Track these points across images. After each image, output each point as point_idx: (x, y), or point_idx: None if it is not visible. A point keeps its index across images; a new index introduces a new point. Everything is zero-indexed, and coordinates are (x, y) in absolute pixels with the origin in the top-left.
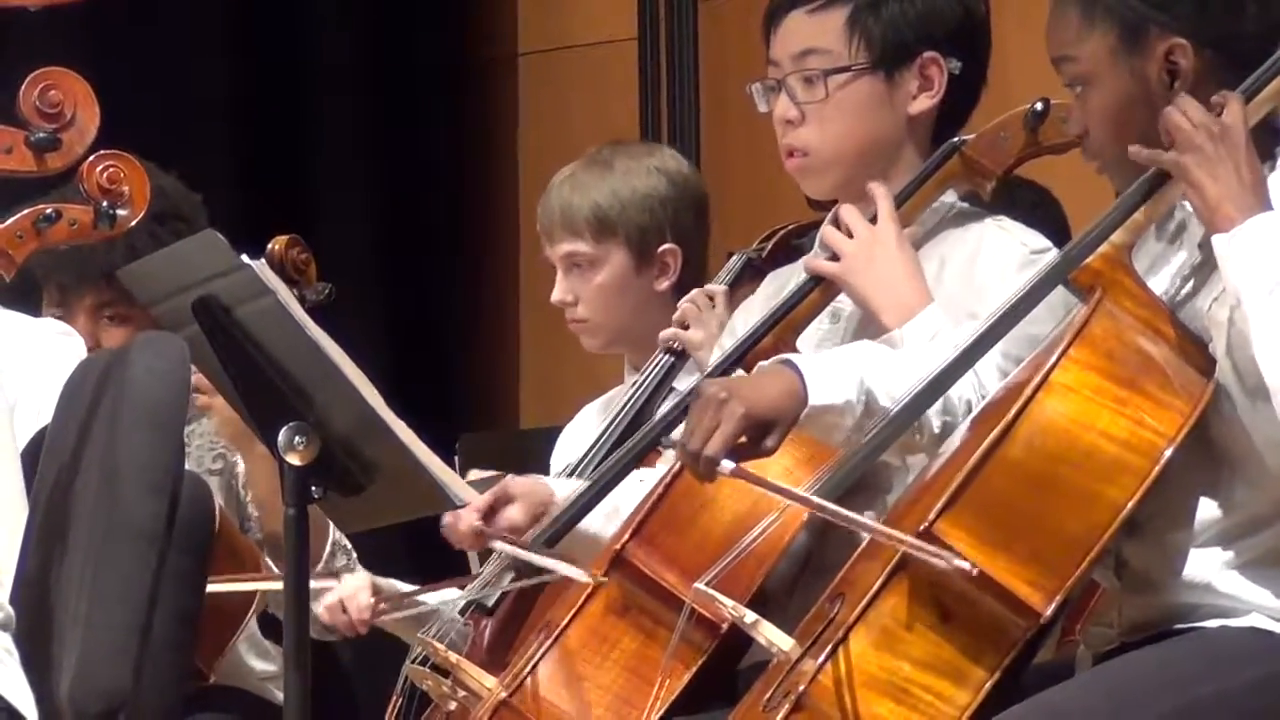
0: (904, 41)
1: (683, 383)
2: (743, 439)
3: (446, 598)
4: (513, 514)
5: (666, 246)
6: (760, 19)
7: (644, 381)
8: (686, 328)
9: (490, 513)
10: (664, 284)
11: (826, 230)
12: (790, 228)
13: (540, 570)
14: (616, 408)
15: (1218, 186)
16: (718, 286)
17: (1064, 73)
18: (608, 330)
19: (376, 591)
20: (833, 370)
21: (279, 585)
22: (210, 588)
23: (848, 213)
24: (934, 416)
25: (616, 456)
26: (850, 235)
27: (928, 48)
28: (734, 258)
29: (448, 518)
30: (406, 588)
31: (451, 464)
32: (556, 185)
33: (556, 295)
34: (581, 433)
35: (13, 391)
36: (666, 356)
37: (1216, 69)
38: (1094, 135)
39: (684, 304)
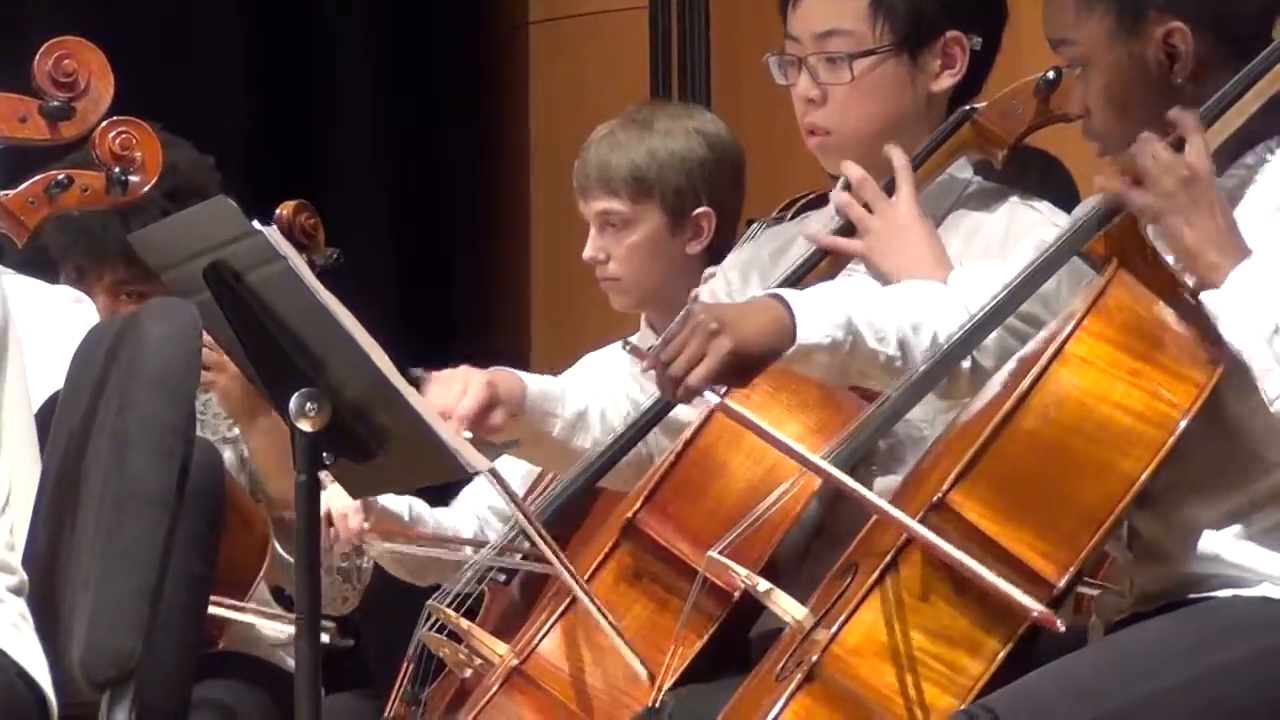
0: (927, 21)
1: None
2: None
3: (441, 550)
4: (496, 419)
5: (701, 209)
6: None
7: None
8: None
9: (478, 418)
10: (697, 247)
11: (852, 208)
12: (810, 196)
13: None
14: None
15: (1196, 233)
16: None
17: (1063, 55)
18: (638, 290)
19: (369, 513)
20: (822, 308)
21: (290, 629)
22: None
23: (866, 186)
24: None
25: (630, 423)
26: (869, 209)
27: (950, 27)
28: (754, 226)
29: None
30: (400, 509)
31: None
32: (595, 143)
33: (589, 252)
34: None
35: (25, 357)
36: None
37: (1216, 51)
38: (1094, 117)
39: (707, 276)
